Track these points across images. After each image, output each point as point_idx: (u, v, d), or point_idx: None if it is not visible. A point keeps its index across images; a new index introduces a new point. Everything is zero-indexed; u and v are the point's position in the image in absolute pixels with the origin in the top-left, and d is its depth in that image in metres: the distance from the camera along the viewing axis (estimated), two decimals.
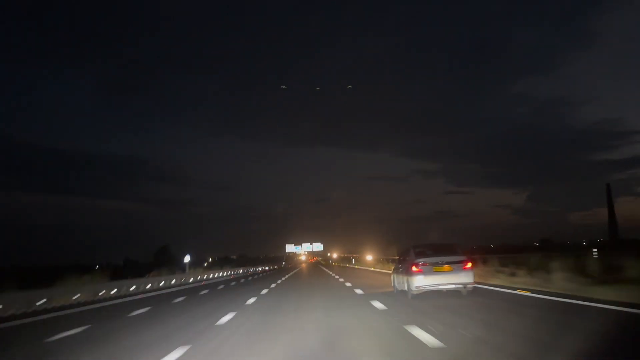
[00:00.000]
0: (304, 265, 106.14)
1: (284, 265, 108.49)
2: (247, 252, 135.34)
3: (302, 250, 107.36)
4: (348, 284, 18.88)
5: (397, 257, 17.51)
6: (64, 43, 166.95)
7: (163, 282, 27.65)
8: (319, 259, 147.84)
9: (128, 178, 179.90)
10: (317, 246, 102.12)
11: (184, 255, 45.00)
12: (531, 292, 11.08)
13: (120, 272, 38.77)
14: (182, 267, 43.37)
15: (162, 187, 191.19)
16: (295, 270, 53.40)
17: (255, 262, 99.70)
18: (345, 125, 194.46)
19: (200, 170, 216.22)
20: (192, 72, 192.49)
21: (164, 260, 50.74)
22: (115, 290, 20.90)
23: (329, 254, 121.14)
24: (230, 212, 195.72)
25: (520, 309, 8.80)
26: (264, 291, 17.85)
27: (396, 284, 13.22)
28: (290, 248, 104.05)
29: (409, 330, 6.71)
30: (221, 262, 72.61)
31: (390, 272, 15.60)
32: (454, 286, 10.94)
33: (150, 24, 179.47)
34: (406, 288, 11.51)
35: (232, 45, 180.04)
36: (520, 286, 12.73)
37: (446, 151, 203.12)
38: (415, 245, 12.57)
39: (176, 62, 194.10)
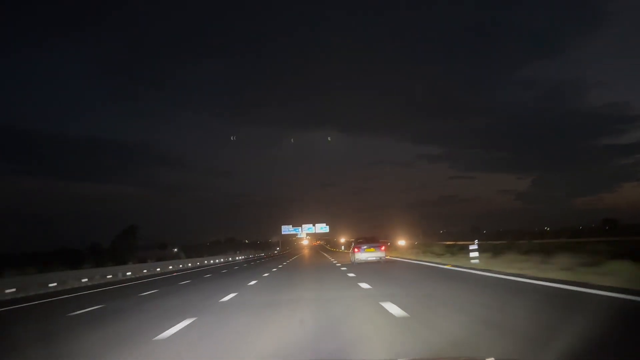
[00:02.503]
0: (305, 251, 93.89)
1: (277, 252, 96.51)
2: (246, 237, 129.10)
3: (303, 233, 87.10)
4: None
5: (351, 243, 27.16)
6: (63, 27, 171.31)
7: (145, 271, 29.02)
8: (322, 242, 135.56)
9: (129, 163, 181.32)
10: (322, 227, 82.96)
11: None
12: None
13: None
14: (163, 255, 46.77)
15: (163, 171, 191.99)
16: (289, 260, 38.85)
17: (246, 248, 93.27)
18: (351, 109, 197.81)
19: (202, 155, 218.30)
20: (193, 56, 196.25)
21: (125, 246, 50.42)
22: (111, 275, 24.08)
23: (335, 239, 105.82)
24: (231, 198, 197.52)
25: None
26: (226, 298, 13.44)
27: (351, 259, 23.41)
28: (287, 230, 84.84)
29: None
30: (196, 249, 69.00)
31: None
32: (375, 259, 21.58)
33: (152, 7, 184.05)
34: (354, 260, 22.36)
35: (234, 29, 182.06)
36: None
37: (451, 136, 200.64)
38: (356, 238, 24.31)
39: (178, 46, 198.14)
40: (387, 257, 23.53)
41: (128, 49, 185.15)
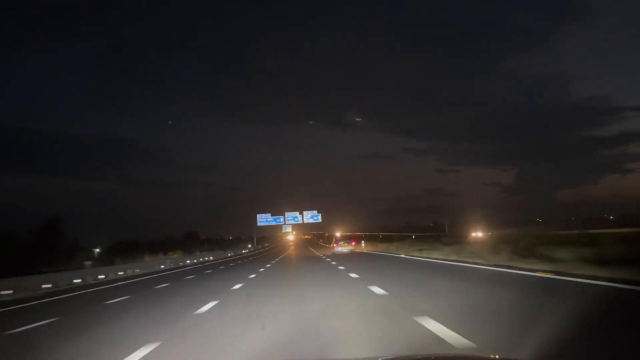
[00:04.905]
0: (291, 247, 75.41)
1: (248, 252, 68.34)
2: (226, 234, 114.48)
3: (287, 226, 71.98)
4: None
5: (333, 240, 41.34)
6: (47, 25, 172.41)
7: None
8: (310, 236, 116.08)
9: (114, 160, 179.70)
10: (313, 217, 62.01)
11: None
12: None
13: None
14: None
15: (148, 168, 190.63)
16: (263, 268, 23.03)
17: (213, 245, 74.69)
18: (336, 103, 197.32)
19: (187, 151, 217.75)
20: (178, 51, 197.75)
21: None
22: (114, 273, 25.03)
23: (327, 234, 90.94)
24: (216, 193, 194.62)
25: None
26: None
27: (333, 250, 34.96)
28: (264, 220, 63.76)
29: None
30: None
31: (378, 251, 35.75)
32: (347, 251, 34.06)
33: (137, 3, 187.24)
34: (333, 252, 34.93)
35: (221, 25, 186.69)
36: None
37: (437, 129, 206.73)
38: (336, 237, 40.86)
39: (164, 41, 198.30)
40: (356, 250, 36.79)
41: (113, 45, 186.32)
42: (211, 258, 49.36)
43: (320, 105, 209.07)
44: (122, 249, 51.17)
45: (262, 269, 21.88)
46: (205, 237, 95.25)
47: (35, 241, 41.21)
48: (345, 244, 34.96)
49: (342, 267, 18.29)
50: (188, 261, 41.99)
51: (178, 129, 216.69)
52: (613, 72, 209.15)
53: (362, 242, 42.42)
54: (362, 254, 32.31)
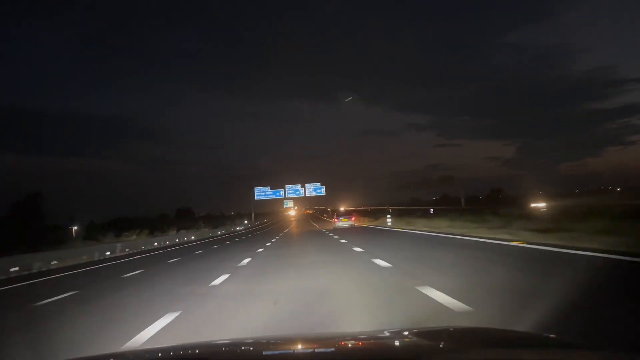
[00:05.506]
0: (294, 223, 68.18)
1: (244, 228, 64.45)
2: (226, 211, 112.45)
3: (288, 202, 68.12)
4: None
5: (333, 214, 42.91)
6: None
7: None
8: (312, 211, 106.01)
9: (113, 137, 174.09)
10: (316, 189, 58.11)
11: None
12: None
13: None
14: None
15: (146, 146, 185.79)
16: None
17: (208, 222, 67.15)
18: (336, 78, 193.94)
19: (186, 128, 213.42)
20: (177, 25, 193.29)
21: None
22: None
23: (329, 209, 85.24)
24: (215, 170, 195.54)
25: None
26: None
27: (334, 225, 36.78)
28: (262, 193, 59.86)
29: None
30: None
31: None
32: (348, 225, 35.96)
33: None
34: (334, 226, 35.86)
35: (219, 1, 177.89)
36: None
37: (438, 104, 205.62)
38: (337, 211, 42.32)
39: (162, 14, 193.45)
40: (356, 225, 37.73)
41: (110, 20, 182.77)
42: (192, 238, 42.33)
43: (321, 82, 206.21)
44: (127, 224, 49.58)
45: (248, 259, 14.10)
46: (206, 213, 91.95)
47: (9, 218, 38.46)
48: (346, 219, 37.24)
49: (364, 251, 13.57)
50: (156, 244, 32.81)
51: (178, 107, 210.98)
52: (618, 43, 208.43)
53: (389, 217, 36.45)
54: (372, 229, 31.09)
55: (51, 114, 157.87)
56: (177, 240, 38.87)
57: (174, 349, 2.42)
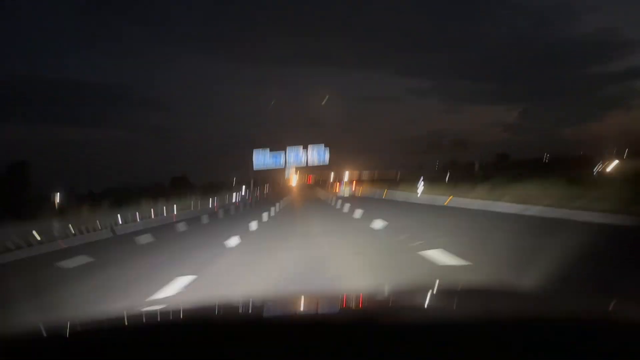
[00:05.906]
0: (295, 192, 65.27)
1: (240, 200, 51.91)
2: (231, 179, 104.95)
3: (290, 168, 57.38)
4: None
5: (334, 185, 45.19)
6: None
7: None
8: (314, 181, 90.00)
9: (108, 105, 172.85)
10: (319, 152, 52.40)
11: None
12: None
13: None
14: None
15: (143, 114, 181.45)
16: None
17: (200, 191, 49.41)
18: (338, 43, 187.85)
19: (184, 95, 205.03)
20: None
21: None
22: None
23: (331, 180, 70.50)
24: (217, 139, 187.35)
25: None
26: None
27: (338, 193, 36.95)
28: (260, 158, 54.00)
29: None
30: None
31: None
32: (347, 194, 37.55)
33: None
34: (339, 195, 34.62)
35: None
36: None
37: (440, 68, 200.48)
38: (340, 179, 42.40)
39: None
40: (357, 194, 40.33)
41: None
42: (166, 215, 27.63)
43: (321, 46, 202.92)
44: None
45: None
46: (207, 182, 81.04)
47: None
48: (347, 187, 41.97)
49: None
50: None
51: (174, 73, 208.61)
52: (622, 3, 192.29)
53: (421, 183, 26.64)
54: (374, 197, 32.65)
55: (47, 82, 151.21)
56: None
57: (183, 308, 2.08)
